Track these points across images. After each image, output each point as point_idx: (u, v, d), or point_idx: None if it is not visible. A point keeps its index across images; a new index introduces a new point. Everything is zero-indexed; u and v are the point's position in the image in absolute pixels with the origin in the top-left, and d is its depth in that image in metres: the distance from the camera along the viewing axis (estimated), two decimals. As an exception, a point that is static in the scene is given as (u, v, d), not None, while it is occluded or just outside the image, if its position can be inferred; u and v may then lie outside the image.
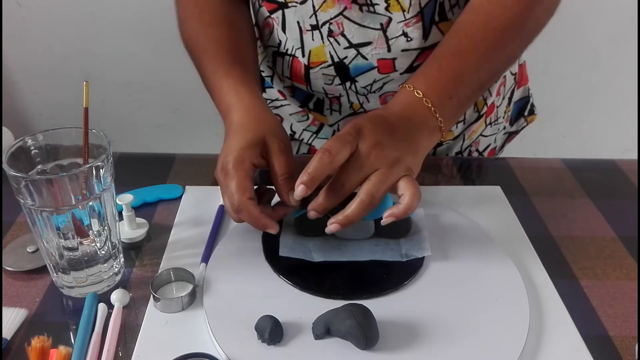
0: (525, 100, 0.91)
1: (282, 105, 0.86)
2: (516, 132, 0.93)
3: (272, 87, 0.86)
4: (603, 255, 0.62)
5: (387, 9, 0.67)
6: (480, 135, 0.87)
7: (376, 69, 0.72)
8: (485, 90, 0.78)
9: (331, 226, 0.54)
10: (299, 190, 0.52)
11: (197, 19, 0.71)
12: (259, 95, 0.65)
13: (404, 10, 0.67)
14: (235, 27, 0.71)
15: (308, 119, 0.85)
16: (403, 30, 0.68)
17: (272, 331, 0.48)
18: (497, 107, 0.85)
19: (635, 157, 0.83)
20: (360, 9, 0.68)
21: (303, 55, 0.73)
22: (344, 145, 0.52)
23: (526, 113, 0.91)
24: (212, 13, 0.71)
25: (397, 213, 0.53)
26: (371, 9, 0.67)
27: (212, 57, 0.67)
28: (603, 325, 0.53)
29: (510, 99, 0.88)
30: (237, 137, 0.58)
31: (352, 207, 0.53)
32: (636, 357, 0.50)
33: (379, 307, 0.51)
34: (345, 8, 0.68)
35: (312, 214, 0.55)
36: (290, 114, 0.86)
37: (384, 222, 0.54)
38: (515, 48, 0.65)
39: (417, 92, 0.58)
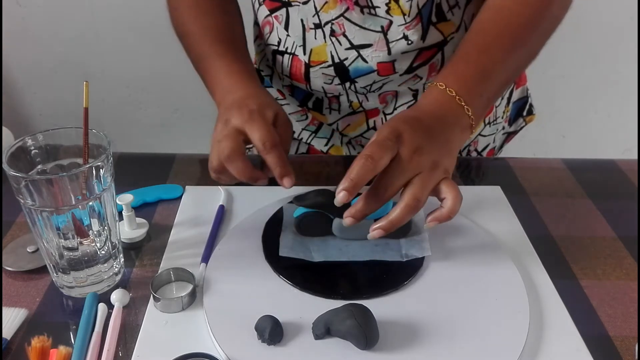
0: (523, 101, 0.91)
1: (281, 105, 0.86)
2: (515, 132, 0.93)
3: (272, 87, 0.86)
4: (603, 255, 0.62)
5: (387, 12, 0.67)
6: (479, 134, 0.87)
7: (376, 72, 0.72)
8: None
9: (374, 232, 0.53)
10: (341, 196, 0.50)
11: (193, 6, 0.72)
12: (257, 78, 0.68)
13: (404, 14, 0.67)
14: (229, 16, 0.73)
15: (307, 118, 0.85)
16: (404, 34, 0.68)
17: (272, 331, 0.48)
18: (496, 107, 0.85)
19: (635, 157, 0.83)
20: (362, 11, 0.68)
21: (304, 53, 0.74)
22: (385, 151, 0.51)
23: (525, 113, 0.91)
24: (208, 2, 0.73)
25: (440, 217, 0.53)
26: (372, 11, 0.67)
27: (211, 42, 0.68)
28: (603, 325, 0.53)
29: (509, 99, 0.88)
30: (259, 97, 0.61)
31: (396, 212, 0.52)
32: (636, 357, 0.50)
33: (379, 307, 0.51)
34: (347, 9, 0.68)
35: (348, 220, 0.53)
36: (289, 113, 0.86)
37: (427, 227, 0.54)
38: (536, 44, 0.65)
39: (449, 91, 0.57)
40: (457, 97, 0.57)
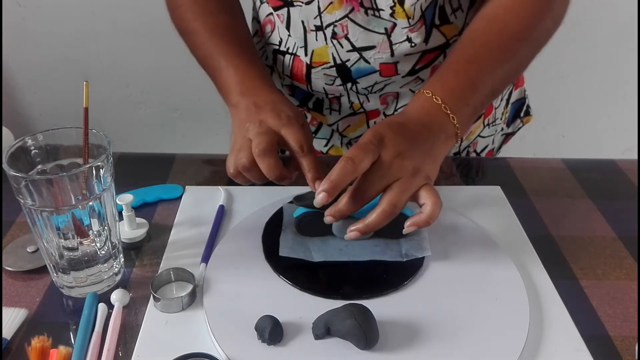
0: (521, 102, 0.91)
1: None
2: (512, 134, 0.93)
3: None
4: (603, 255, 0.62)
5: (392, 15, 0.67)
6: (478, 136, 0.87)
7: (378, 73, 0.72)
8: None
9: (351, 234, 0.54)
10: (320, 197, 0.51)
11: (202, 5, 0.71)
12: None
13: (408, 17, 0.67)
14: (235, 17, 0.73)
15: (306, 118, 0.85)
16: (407, 36, 0.68)
17: (272, 331, 0.48)
18: (495, 108, 0.85)
19: (635, 157, 0.83)
20: (366, 13, 0.68)
21: (306, 55, 0.73)
22: (366, 154, 0.52)
23: (522, 114, 0.92)
24: (216, 1, 0.72)
25: (419, 222, 0.54)
26: (376, 13, 0.67)
27: (222, 42, 0.68)
28: (603, 325, 0.53)
29: (507, 100, 0.88)
30: (290, 105, 0.61)
31: (373, 216, 0.53)
32: (636, 357, 0.50)
33: (379, 307, 0.51)
34: (352, 10, 0.67)
35: (329, 219, 0.55)
36: None
37: (405, 231, 0.54)
38: (526, 57, 0.65)
39: (435, 98, 0.58)
40: (443, 105, 0.58)
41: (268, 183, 0.59)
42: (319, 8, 0.69)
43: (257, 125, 0.58)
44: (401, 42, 0.69)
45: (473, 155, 0.89)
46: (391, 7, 0.66)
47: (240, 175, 0.58)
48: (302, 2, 0.69)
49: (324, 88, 0.77)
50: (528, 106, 0.92)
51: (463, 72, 0.61)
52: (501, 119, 0.88)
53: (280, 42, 0.76)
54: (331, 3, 0.68)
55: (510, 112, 0.91)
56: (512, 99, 0.89)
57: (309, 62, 0.74)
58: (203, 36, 0.69)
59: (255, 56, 0.69)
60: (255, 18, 0.82)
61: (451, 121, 0.58)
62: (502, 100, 0.86)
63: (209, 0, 0.72)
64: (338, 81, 0.74)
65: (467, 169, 0.81)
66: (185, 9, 0.72)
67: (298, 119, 0.60)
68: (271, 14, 0.75)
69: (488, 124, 0.86)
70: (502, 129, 0.91)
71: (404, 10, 0.66)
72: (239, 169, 0.57)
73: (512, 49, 0.63)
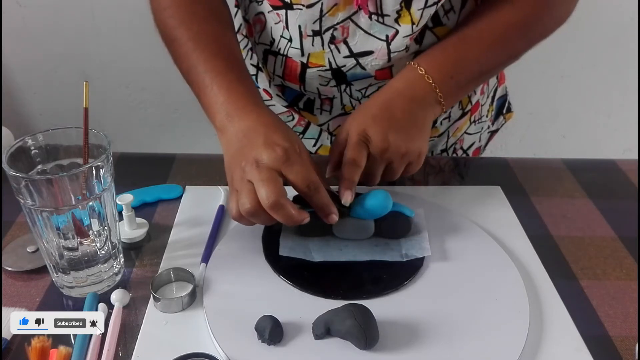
0: (503, 99, 0.93)
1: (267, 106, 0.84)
2: (496, 131, 0.95)
3: (258, 87, 0.83)
4: (603, 255, 0.62)
5: (396, 20, 0.66)
6: (465, 133, 0.87)
7: (373, 77, 0.72)
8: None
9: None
10: (347, 194, 0.57)
11: (189, 10, 0.68)
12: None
13: (413, 23, 0.66)
14: (224, 25, 0.69)
15: (293, 119, 0.84)
16: (407, 45, 0.68)
17: (272, 331, 0.48)
18: (482, 105, 0.86)
19: (635, 157, 0.83)
20: (370, 17, 0.66)
21: (302, 55, 0.73)
22: (361, 153, 0.59)
23: (504, 111, 0.93)
24: (204, 7, 0.68)
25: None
26: (380, 19, 0.66)
27: (207, 56, 0.64)
28: (603, 325, 0.53)
29: (493, 97, 0.88)
30: (282, 130, 0.58)
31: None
32: (636, 357, 0.50)
33: (379, 307, 0.51)
34: (356, 12, 0.66)
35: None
36: None
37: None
38: (519, 46, 0.68)
39: (420, 69, 0.64)
40: (426, 75, 0.63)
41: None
42: (321, 11, 0.66)
43: (254, 166, 0.54)
44: (400, 51, 0.68)
45: (460, 152, 0.89)
46: (397, 12, 0.65)
47: (245, 219, 0.56)
48: (303, 5, 0.66)
49: (317, 89, 0.76)
50: (509, 103, 0.93)
51: (451, 48, 0.66)
52: (487, 117, 0.89)
53: (272, 43, 0.74)
54: (335, 5, 0.66)
55: (494, 109, 0.91)
56: (497, 96, 0.90)
57: (305, 62, 0.73)
58: (186, 46, 0.65)
59: (243, 70, 0.65)
60: (243, 16, 0.79)
61: (434, 90, 0.63)
62: (487, 97, 0.86)
63: (196, 4, 0.68)
64: (332, 82, 0.74)
65: (467, 169, 0.81)
66: (170, 13, 0.67)
67: (294, 146, 0.56)
68: (261, 13, 0.72)
69: (474, 121, 0.86)
70: (488, 127, 0.91)
71: (410, 14, 0.65)
72: (242, 214, 0.54)
73: (505, 34, 0.66)
